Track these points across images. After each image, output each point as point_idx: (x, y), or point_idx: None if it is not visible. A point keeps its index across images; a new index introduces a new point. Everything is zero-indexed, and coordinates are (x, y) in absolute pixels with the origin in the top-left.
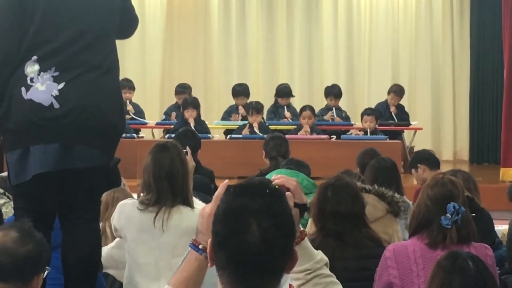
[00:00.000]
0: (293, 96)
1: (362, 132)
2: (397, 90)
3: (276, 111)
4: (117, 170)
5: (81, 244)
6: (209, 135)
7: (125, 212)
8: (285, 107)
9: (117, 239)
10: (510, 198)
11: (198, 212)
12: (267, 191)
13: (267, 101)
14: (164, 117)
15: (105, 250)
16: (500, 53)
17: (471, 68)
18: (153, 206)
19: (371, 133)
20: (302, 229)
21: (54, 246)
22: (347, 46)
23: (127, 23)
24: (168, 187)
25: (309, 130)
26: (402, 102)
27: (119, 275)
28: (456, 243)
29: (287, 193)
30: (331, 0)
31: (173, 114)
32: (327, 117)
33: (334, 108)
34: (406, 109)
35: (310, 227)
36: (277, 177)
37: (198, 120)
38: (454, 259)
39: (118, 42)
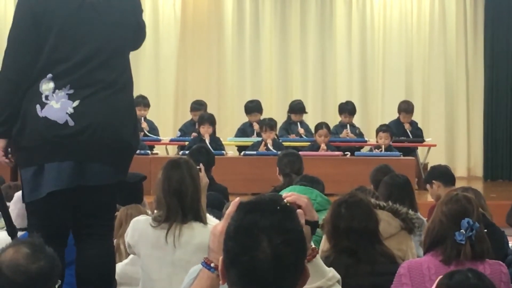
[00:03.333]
0: (306, 112)
1: (377, 149)
2: (407, 108)
3: (288, 127)
4: (141, 186)
5: (95, 261)
6: (223, 151)
7: (139, 229)
8: (298, 123)
9: (131, 256)
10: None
11: (210, 229)
12: (278, 207)
13: (281, 118)
14: (179, 133)
15: (119, 266)
16: None
17: (485, 85)
18: (165, 222)
19: (385, 150)
20: (313, 246)
21: (68, 263)
22: (360, 63)
23: (138, 37)
24: (177, 203)
25: (325, 148)
26: (415, 118)
27: None
28: (470, 260)
29: (298, 210)
30: (345, 17)
31: (193, 135)
32: (343, 134)
33: (348, 125)
34: (420, 125)
35: (324, 244)
36: (288, 195)
37: (213, 136)
38: (452, 275)
39: (132, 59)
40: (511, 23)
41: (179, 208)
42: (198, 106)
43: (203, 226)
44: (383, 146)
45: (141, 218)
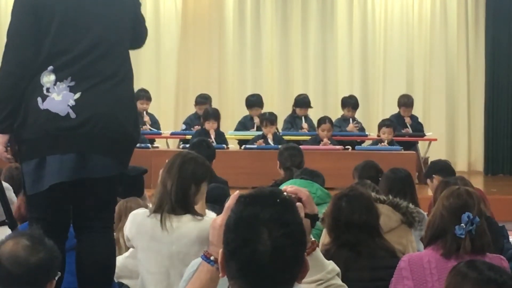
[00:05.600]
0: (311, 107)
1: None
2: (406, 102)
3: (293, 121)
4: (141, 179)
5: (96, 253)
6: (223, 145)
7: (136, 222)
8: (302, 117)
9: (131, 249)
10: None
11: (209, 222)
12: (278, 200)
13: (282, 112)
14: (184, 126)
15: (119, 259)
16: None
17: (486, 79)
18: (156, 212)
19: (388, 144)
20: (313, 239)
21: (67, 249)
22: (361, 57)
23: (140, 33)
24: (163, 193)
25: (329, 142)
26: (416, 112)
27: (133, 285)
28: (470, 254)
29: (298, 203)
30: (346, 10)
31: (196, 127)
32: (349, 128)
33: (350, 119)
34: (420, 120)
35: (324, 238)
36: (289, 187)
37: (218, 131)
38: (480, 269)
39: (132, 53)
40: None
41: (166, 199)
42: (203, 99)
43: (199, 219)
44: (386, 141)
45: (140, 211)
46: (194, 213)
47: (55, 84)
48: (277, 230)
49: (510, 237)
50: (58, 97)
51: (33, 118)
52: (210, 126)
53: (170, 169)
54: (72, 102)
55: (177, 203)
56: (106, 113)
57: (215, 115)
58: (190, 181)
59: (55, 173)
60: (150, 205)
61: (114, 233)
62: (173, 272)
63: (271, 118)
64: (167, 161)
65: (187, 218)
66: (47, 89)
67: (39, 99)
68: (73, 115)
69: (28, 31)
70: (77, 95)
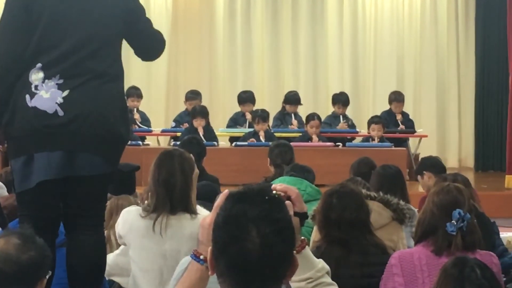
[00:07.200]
0: (301, 104)
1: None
2: (398, 97)
3: (283, 118)
4: (133, 176)
5: (86, 251)
6: (214, 142)
7: (129, 219)
8: (292, 114)
9: (122, 246)
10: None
11: (200, 220)
12: (266, 198)
13: (273, 109)
14: (174, 124)
15: (110, 257)
16: (505, 60)
17: (476, 76)
18: (153, 212)
19: (378, 141)
20: (302, 237)
21: (57, 245)
22: (352, 54)
23: (146, 41)
24: (166, 194)
25: (317, 139)
26: (407, 109)
27: (124, 283)
28: (461, 250)
29: (287, 202)
30: (336, 8)
31: (185, 125)
32: (340, 126)
33: (341, 116)
34: (411, 117)
35: (315, 235)
36: (278, 185)
37: (207, 128)
38: (462, 267)
39: (123, 51)
40: (502, 13)
41: (167, 199)
42: (193, 95)
43: (192, 217)
44: (376, 138)
45: (132, 208)
46: (191, 211)
47: (43, 82)
48: (266, 228)
49: (500, 233)
50: (46, 94)
51: (21, 116)
52: (198, 123)
53: (172, 169)
54: (60, 100)
55: (182, 200)
56: (94, 111)
57: (202, 113)
58: (191, 176)
59: (42, 170)
60: (141, 203)
61: (105, 231)
62: (166, 270)
63: (263, 115)
64: (155, 163)
65: (185, 217)
66: (36, 87)
67: (27, 97)
68: (61, 113)
69: (18, 25)
70: (65, 92)
